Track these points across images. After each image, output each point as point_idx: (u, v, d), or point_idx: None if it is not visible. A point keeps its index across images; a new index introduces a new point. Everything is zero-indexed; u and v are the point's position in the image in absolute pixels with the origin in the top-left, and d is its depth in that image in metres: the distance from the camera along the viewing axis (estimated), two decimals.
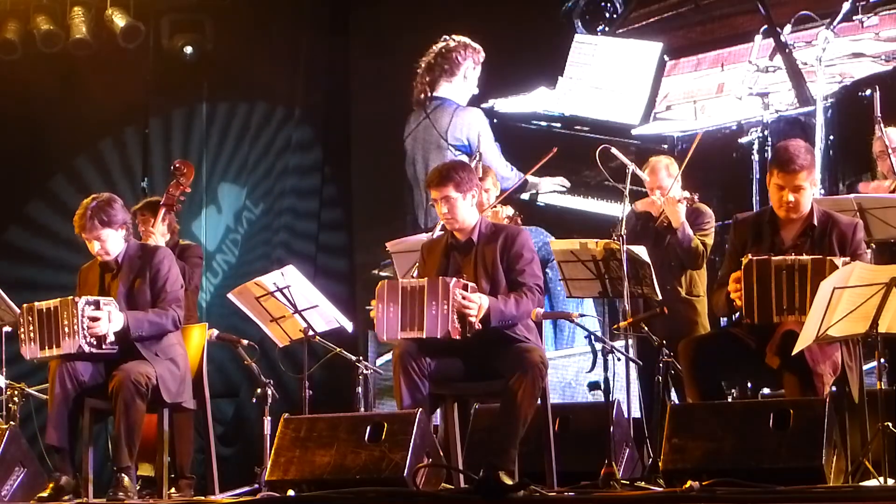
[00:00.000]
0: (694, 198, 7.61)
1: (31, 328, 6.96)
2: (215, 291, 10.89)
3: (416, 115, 10.06)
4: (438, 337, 6.42)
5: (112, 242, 7.12)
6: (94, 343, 6.89)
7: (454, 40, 9.83)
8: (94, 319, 6.87)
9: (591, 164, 7.86)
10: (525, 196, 9.64)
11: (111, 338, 6.90)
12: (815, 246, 6.18)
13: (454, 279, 6.48)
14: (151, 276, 7.11)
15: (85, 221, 7.05)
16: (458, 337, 6.43)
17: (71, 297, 6.94)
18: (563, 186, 9.58)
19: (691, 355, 6.22)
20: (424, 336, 6.44)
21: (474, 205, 6.76)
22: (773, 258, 6.03)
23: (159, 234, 8.18)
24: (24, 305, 7.10)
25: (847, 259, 5.99)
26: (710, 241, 7.78)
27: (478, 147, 8.55)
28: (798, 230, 6.26)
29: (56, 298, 6.98)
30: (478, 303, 6.44)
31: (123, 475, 6.83)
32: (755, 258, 6.04)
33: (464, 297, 6.43)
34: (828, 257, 5.95)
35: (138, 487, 7.35)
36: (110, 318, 6.90)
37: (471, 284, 6.51)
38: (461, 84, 9.82)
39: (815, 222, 6.24)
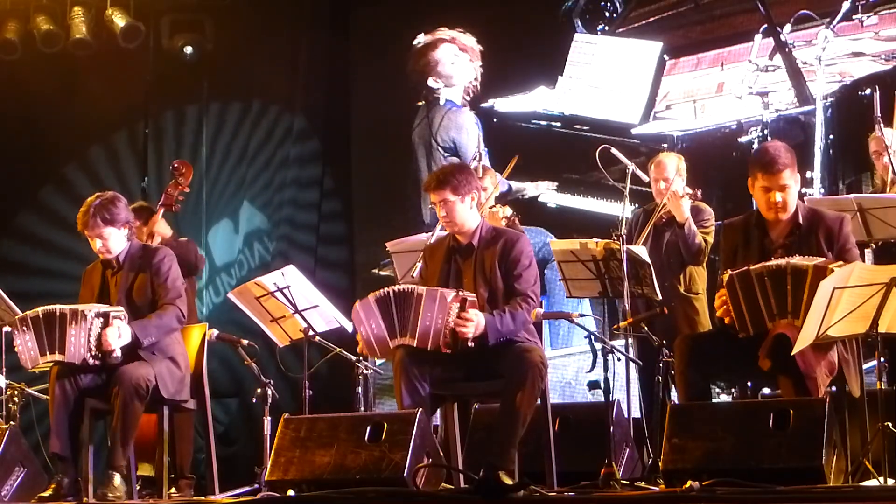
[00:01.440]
0: (697, 193, 7.61)
1: (28, 338, 6.94)
2: (214, 308, 10.86)
3: (421, 111, 10.17)
4: (429, 349, 6.39)
5: (114, 241, 7.12)
6: (99, 357, 6.88)
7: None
8: (103, 339, 6.86)
9: (591, 163, 7.86)
10: (520, 196, 9.66)
11: (118, 353, 6.90)
12: (804, 244, 6.17)
13: (452, 293, 6.42)
14: (152, 274, 7.11)
15: (88, 219, 7.06)
16: (447, 350, 6.40)
17: (81, 308, 6.91)
18: (550, 189, 9.63)
19: (687, 353, 6.20)
20: (415, 345, 6.41)
21: (474, 207, 6.74)
22: (752, 267, 6.01)
23: (159, 235, 8.21)
24: (18, 317, 7.09)
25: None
26: (710, 238, 7.78)
27: (478, 147, 8.55)
28: (785, 230, 6.25)
29: (60, 303, 6.95)
30: (474, 322, 6.40)
31: (115, 473, 6.83)
32: (734, 273, 6.02)
33: (459, 315, 6.38)
34: (829, 265, 5.92)
35: (138, 487, 7.36)
36: (120, 334, 6.89)
37: (469, 299, 6.44)
38: (442, 87, 9.97)
39: (801, 220, 6.24)
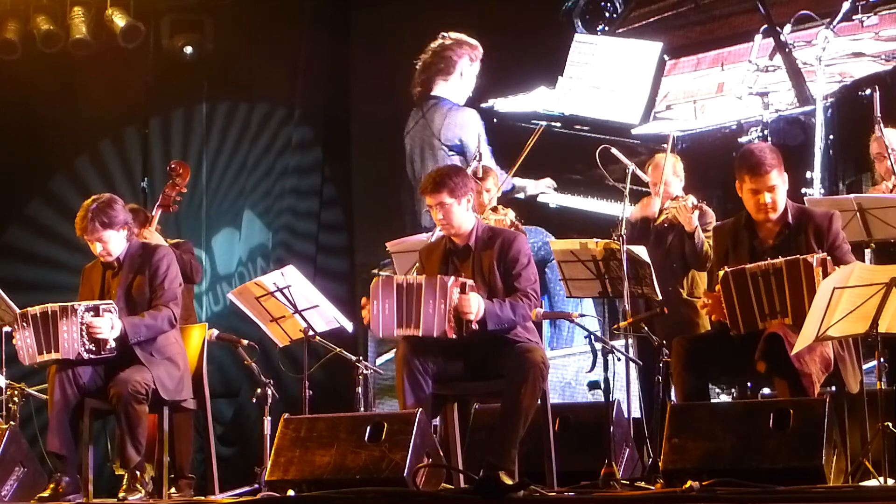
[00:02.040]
0: (702, 206, 7.61)
1: (27, 334, 6.95)
2: (214, 318, 10.84)
3: (414, 114, 10.14)
4: (434, 335, 6.43)
5: (114, 243, 7.13)
6: (93, 350, 6.89)
7: (450, 38, 9.94)
8: (95, 326, 6.87)
9: (591, 163, 7.86)
10: (520, 196, 9.65)
11: (112, 344, 6.91)
12: (793, 243, 6.18)
13: (452, 278, 6.49)
14: (150, 274, 7.12)
15: (86, 224, 7.06)
16: (453, 336, 6.43)
17: (71, 303, 6.93)
18: (550, 188, 9.61)
19: (682, 354, 6.22)
20: (421, 334, 6.45)
21: (470, 209, 6.76)
22: (747, 266, 6.03)
23: (157, 235, 8.21)
24: (18, 312, 7.10)
25: (822, 256, 5.98)
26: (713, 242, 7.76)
27: (478, 147, 8.55)
28: (774, 230, 6.26)
29: (55, 303, 6.97)
30: (475, 303, 6.44)
31: (137, 472, 6.86)
32: (730, 270, 6.05)
33: (461, 298, 6.43)
34: (802, 257, 5.95)
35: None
36: (112, 325, 6.90)
37: (469, 283, 6.52)
38: (458, 82, 9.93)
39: (790, 220, 6.24)
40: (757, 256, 6.18)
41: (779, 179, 6.20)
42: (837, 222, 6.26)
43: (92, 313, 6.90)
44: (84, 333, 6.86)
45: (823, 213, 6.29)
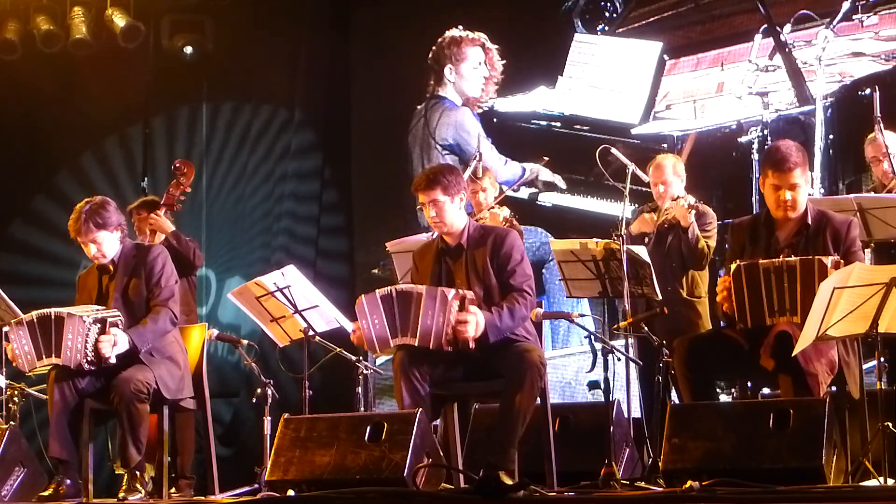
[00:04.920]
0: (698, 206, 7.62)
1: (24, 341, 6.93)
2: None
3: (417, 112, 10.15)
4: (430, 348, 6.38)
5: (107, 245, 7.12)
6: (94, 362, 6.87)
7: (437, 43, 9.99)
8: (99, 342, 6.85)
9: (591, 163, 7.86)
10: (524, 195, 9.64)
11: (113, 360, 6.89)
12: (810, 245, 6.19)
13: (453, 291, 6.41)
14: (146, 275, 7.12)
15: (79, 225, 7.05)
16: (449, 349, 6.39)
17: (80, 313, 6.90)
18: (560, 186, 9.61)
19: (684, 355, 6.23)
20: (416, 344, 6.40)
21: (462, 208, 6.73)
22: (761, 261, 6.04)
23: (161, 232, 8.23)
24: (13, 321, 7.07)
25: (836, 258, 5.99)
26: (713, 242, 7.76)
27: (477, 147, 8.55)
28: (793, 230, 6.27)
29: (54, 301, 6.95)
30: (474, 320, 6.38)
31: (137, 472, 6.86)
32: (743, 263, 6.05)
33: (460, 314, 6.37)
34: (817, 257, 5.96)
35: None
36: (116, 342, 6.89)
37: (469, 296, 6.45)
38: (450, 84, 9.95)
39: (810, 221, 6.25)
40: (773, 254, 6.18)
41: (801, 178, 6.21)
42: (855, 230, 6.29)
43: (99, 327, 6.87)
44: (88, 346, 6.84)
45: (843, 219, 6.30)
